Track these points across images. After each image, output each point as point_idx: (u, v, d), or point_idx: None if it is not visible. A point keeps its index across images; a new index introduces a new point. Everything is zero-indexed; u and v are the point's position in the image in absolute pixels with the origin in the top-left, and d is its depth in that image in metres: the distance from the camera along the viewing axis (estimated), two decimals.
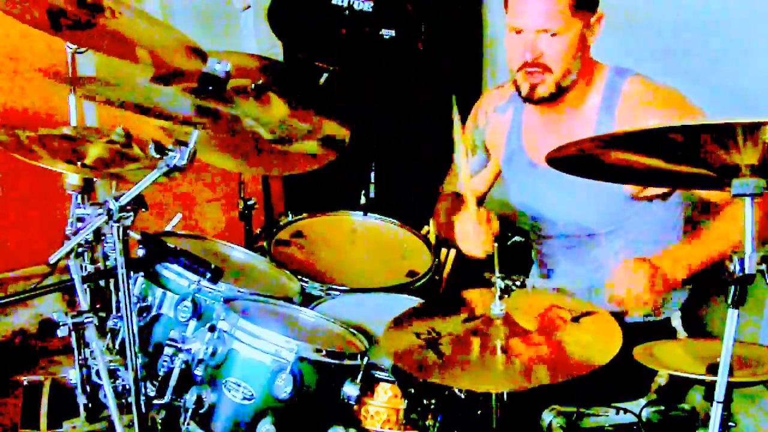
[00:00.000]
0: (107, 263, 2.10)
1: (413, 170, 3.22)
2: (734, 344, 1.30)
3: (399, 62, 2.93)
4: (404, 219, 2.57)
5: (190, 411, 1.74)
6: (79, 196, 2.05)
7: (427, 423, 1.81)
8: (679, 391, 2.05)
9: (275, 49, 3.32)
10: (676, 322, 2.23)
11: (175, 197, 3.28)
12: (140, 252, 1.79)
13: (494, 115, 2.30)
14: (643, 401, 1.96)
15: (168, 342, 1.81)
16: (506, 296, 1.76)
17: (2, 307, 2.76)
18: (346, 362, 1.77)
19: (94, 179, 2.09)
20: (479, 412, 1.86)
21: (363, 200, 2.81)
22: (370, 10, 2.88)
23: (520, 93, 2.06)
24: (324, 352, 1.74)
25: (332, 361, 1.75)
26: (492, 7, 3.28)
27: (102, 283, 2.14)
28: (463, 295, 1.92)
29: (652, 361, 1.74)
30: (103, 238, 2.05)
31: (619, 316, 1.94)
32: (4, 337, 3.18)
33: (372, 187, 2.87)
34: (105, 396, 1.83)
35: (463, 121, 2.15)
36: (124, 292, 1.67)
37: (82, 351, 2.04)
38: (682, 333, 2.22)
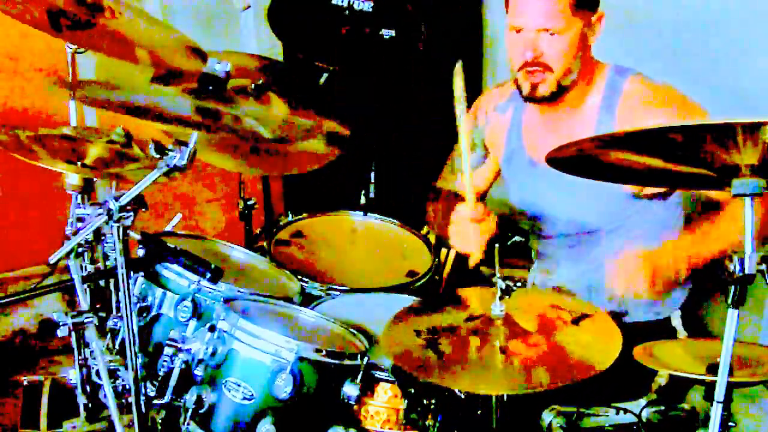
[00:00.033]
0: (107, 263, 2.10)
1: (413, 170, 3.21)
2: (734, 344, 1.30)
3: (399, 62, 2.93)
4: (404, 219, 2.58)
5: (190, 411, 1.74)
6: (79, 196, 2.05)
7: (427, 423, 1.81)
8: (679, 391, 2.05)
9: (275, 49, 3.33)
10: (676, 322, 2.23)
11: (175, 197, 3.29)
12: (140, 252, 1.79)
13: (494, 115, 2.30)
14: (643, 401, 1.96)
15: (168, 342, 1.81)
16: (506, 297, 1.76)
17: (2, 307, 2.76)
18: (346, 362, 1.77)
19: (94, 179, 2.09)
20: (479, 412, 1.86)
21: (363, 200, 2.81)
22: (370, 10, 2.88)
23: (521, 92, 2.06)
24: (324, 352, 1.74)
25: (332, 361, 1.75)
26: (492, 7, 3.29)
27: (102, 283, 2.14)
28: (459, 293, 1.93)
29: (652, 361, 1.74)
30: (103, 238, 2.05)
31: (618, 317, 1.95)
32: (4, 337, 3.19)
33: (372, 187, 2.87)
34: (105, 396, 1.83)
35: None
36: (124, 292, 1.67)
37: (82, 351, 2.04)
38: (682, 333, 2.22)
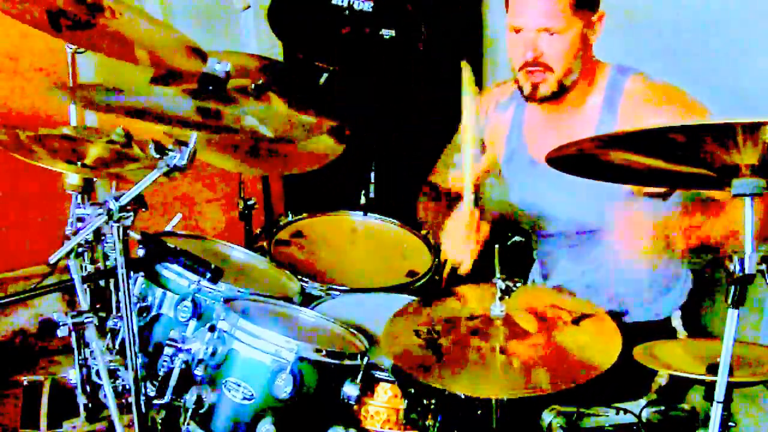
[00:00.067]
0: (107, 263, 2.10)
1: (413, 170, 3.22)
2: (734, 344, 1.30)
3: (399, 62, 2.93)
4: (404, 219, 2.58)
5: (190, 411, 1.74)
6: (79, 196, 2.05)
7: (427, 423, 1.81)
8: (679, 391, 2.05)
9: (275, 49, 3.33)
10: (676, 322, 2.23)
11: (175, 197, 3.29)
12: (140, 252, 1.79)
13: (495, 114, 2.29)
14: (643, 401, 1.96)
15: (168, 342, 1.81)
16: (506, 297, 1.76)
17: (2, 307, 2.76)
18: (346, 362, 1.77)
19: (94, 179, 2.10)
20: (479, 412, 1.86)
21: (363, 200, 2.81)
22: (370, 10, 2.88)
23: (522, 92, 2.06)
24: (324, 352, 1.74)
25: (332, 361, 1.75)
26: (492, 7, 3.29)
27: (102, 283, 2.14)
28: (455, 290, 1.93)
29: (652, 361, 1.74)
30: (103, 238, 2.05)
31: (618, 317, 1.95)
32: (4, 337, 3.19)
33: (372, 187, 2.87)
34: (105, 396, 1.83)
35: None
36: (124, 292, 1.67)
37: (82, 351, 2.04)
38: (682, 333, 2.22)
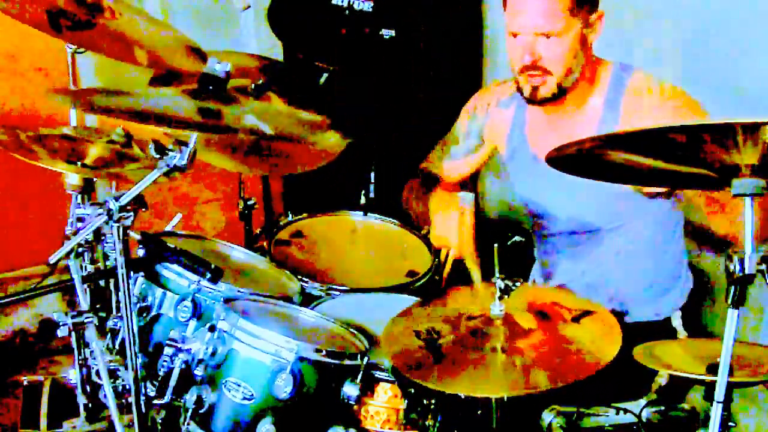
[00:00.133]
0: (107, 263, 2.10)
1: (413, 171, 3.22)
2: (734, 344, 1.30)
3: (399, 62, 2.93)
4: (404, 219, 2.58)
5: (190, 411, 1.73)
6: (79, 196, 2.05)
7: (427, 423, 1.81)
8: (679, 391, 2.05)
9: (275, 49, 3.33)
10: (677, 322, 2.23)
11: (175, 197, 3.29)
12: (140, 252, 1.79)
13: (496, 110, 2.29)
14: (643, 401, 1.96)
15: (168, 342, 1.81)
16: (506, 296, 1.76)
17: (2, 307, 2.76)
18: (346, 362, 1.77)
19: (94, 179, 2.10)
20: (479, 412, 1.86)
21: (363, 200, 2.81)
22: (370, 10, 2.88)
23: (522, 94, 2.06)
24: (324, 352, 1.74)
25: (332, 361, 1.75)
26: (492, 7, 3.28)
27: (102, 283, 2.14)
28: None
29: (652, 361, 1.74)
30: (103, 238, 2.05)
31: (619, 316, 1.95)
32: (4, 337, 3.19)
33: (372, 187, 2.87)
34: (105, 396, 1.83)
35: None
36: (124, 292, 1.67)
37: (82, 351, 2.04)
38: (682, 333, 2.22)
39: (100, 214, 1.65)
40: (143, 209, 1.66)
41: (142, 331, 1.88)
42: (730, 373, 1.32)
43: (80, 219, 2.03)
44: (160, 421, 1.89)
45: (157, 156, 1.61)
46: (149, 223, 2.35)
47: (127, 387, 1.76)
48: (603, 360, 1.60)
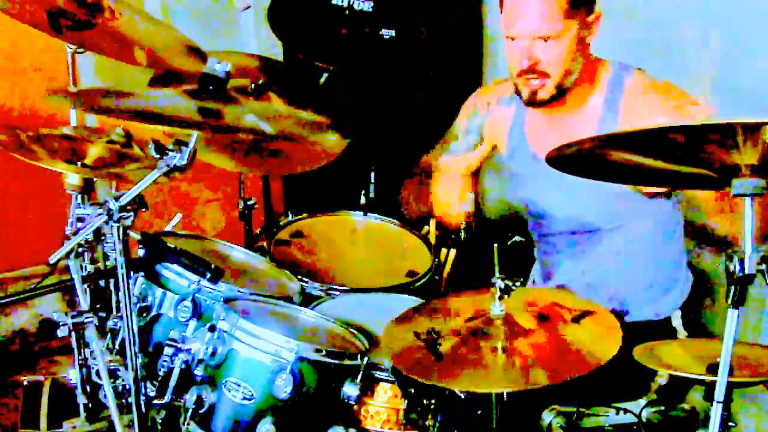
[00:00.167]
0: (107, 263, 2.10)
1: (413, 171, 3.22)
2: (734, 344, 1.30)
3: (399, 62, 2.93)
4: (404, 219, 2.58)
5: (190, 411, 1.74)
6: (79, 196, 2.05)
7: (427, 423, 1.81)
8: (679, 391, 2.06)
9: (275, 49, 3.33)
10: (677, 321, 2.23)
11: (175, 197, 3.29)
12: (140, 252, 1.79)
13: (497, 107, 2.29)
14: (643, 401, 1.96)
15: (168, 342, 1.81)
16: (506, 296, 1.76)
17: (2, 307, 2.76)
18: (346, 362, 1.77)
19: (94, 179, 2.09)
20: (479, 412, 1.86)
21: (363, 200, 2.80)
22: (370, 10, 2.88)
23: (521, 97, 2.06)
24: (324, 352, 1.74)
25: (332, 361, 1.75)
26: (492, 7, 3.28)
27: (102, 283, 2.14)
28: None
29: (652, 361, 1.74)
30: (103, 238, 2.05)
31: (619, 316, 1.95)
32: (4, 337, 3.19)
33: (372, 187, 2.87)
34: (105, 396, 1.83)
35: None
36: (124, 292, 1.67)
37: (82, 351, 2.04)
38: (682, 333, 2.22)
39: (100, 214, 1.65)
40: (143, 209, 1.66)
41: (142, 331, 1.88)
42: (730, 373, 1.32)
43: (80, 219, 2.03)
44: (160, 421, 1.89)
45: (157, 156, 1.61)
46: (149, 223, 2.35)
47: (127, 387, 1.76)
48: (603, 360, 1.60)
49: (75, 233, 2.01)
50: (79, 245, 1.82)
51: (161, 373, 1.83)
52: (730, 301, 1.30)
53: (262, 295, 1.99)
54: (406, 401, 1.79)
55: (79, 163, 2.10)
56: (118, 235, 1.63)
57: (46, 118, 2.67)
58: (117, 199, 1.61)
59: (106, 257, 2.11)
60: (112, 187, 2.20)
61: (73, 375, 2.07)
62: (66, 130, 2.26)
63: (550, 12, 1.92)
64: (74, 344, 2.02)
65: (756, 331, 2.54)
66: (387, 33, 2.85)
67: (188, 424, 1.74)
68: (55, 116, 2.63)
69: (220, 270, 1.77)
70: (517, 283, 1.78)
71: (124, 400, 1.82)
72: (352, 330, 1.92)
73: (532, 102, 2.04)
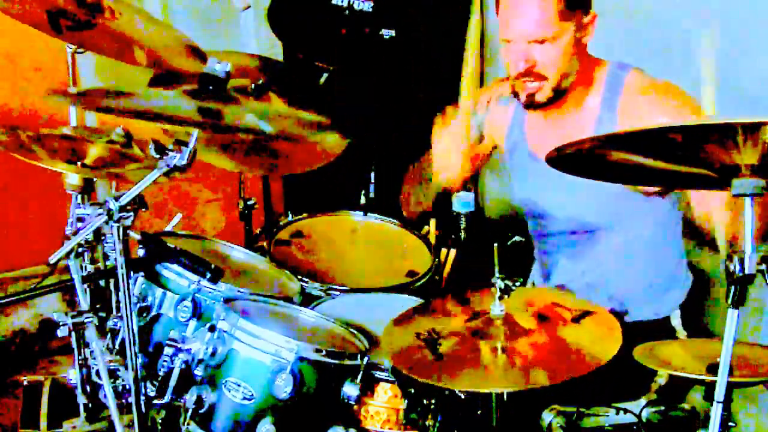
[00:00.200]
0: (107, 263, 2.10)
1: None
2: (734, 344, 1.30)
3: (399, 62, 2.93)
4: (404, 219, 2.58)
5: (190, 411, 1.74)
6: (79, 196, 2.05)
7: (427, 423, 1.81)
8: (679, 391, 2.06)
9: (275, 49, 3.33)
10: (676, 321, 2.23)
11: (175, 197, 3.29)
12: (140, 252, 1.79)
13: (497, 106, 2.29)
14: (643, 401, 1.96)
15: (168, 342, 1.81)
16: (506, 296, 1.76)
17: (2, 307, 2.76)
18: (346, 362, 1.77)
19: (94, 179, 2.10)
20: (479, 412, 1.86)
21: (363, 200, 2.81)
22: (370, 10, 2.88)
23: (518, 100, 2.06)
24: (324, 352, 1.74)
25: (332, 361, 1.75)
26: (492, 7, 3.28)
27: (102, 283, 2.14)
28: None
29: (652, 360, 1.74)
30: (103, 238, 2.05)
31: (618, 315, 1.95)
32: (4, 337, 3.19)
33: (372, 187, 2.87)
34: (105, 396, 1.83)
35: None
36: (124, 292, 1.67)
37: (82, 351, 2.04)
38: (681, 332, 2.22)
39: (100, 214, 1.65)
40: (143, 209, 1.66)
41: (142, 331, 1.88)
42: (730, 373, 1.32)
43: (80, 219, 2.03)
44: (160, 421, 1.89)
45: (157, 156, 1.61)
46: (149, 223, 2.35)
47: (127, 387, 1.76)
48: (603, 360, 1.60)
49: (75, 233, 2.01)
50: (79, 245, 1.82)
51: (161, 373, 1.83)
52: (730, 301, 1.30)
53: (262, 295, 1.99)
54: (406, 401, 1.79)
55: (79, 163, 2.10)
56: (118, 235, 1.63)
57: (46, 119, 2.67)
58: (117, 199, 1.61)
59: (106, 257, 2.11)
60: (112, 187, 2.20)
61: (73, 375, 2.07)
62: (66, 130, 2.26)
63: (546, 15, 1.92)
64: (74, 344, 2.02)
65: (756, 331, 2.54)
66: (387, 33, 2.85)
67: (188, 424, 1.74)
68: (55, 116, 2.63)
69: (220, 270, 1.77)
70: (517, 283, 1.79)
71: (124, 400, 1.82)
72: (352, 330, 1.92)
73: (530, 105, 2.04)
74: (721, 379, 1.31)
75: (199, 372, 1.78)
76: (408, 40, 2.89)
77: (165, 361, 1.82)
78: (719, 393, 1.32)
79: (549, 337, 1.70)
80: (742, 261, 1.28)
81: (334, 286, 2.21)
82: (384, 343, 1.82)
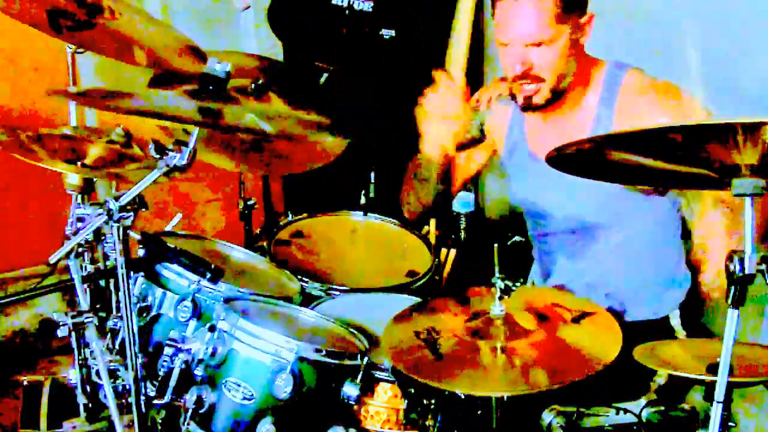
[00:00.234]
0: (107, 263, 2.10)
1: None
2: (734, 344, 1.30)
3: (399, 62, 2.93)
4: (404, 219, 2.58)
5: (190, 411, 1.74)
6: (79, 196, 2.05)
7: (427, 423, 1.81)
8: (679, 391, 2.05)
9: (275, 49, 3.33)
10: (675, 321, 2.23)
11: (175, 197, 3.29)
12: (140, 252, 1.79)
13: (497, 105, 2.29)
14: (643, 401, 1.96)
15: (168, 342, 1.81)
16: (506, 297, 1.76)
17: (2, 307, 2.76)
18: (346, 362, 1.77)
19: (94, 179, 2.10)
20: (479, 412, 1.86)
21: (363, 200, 2.81)
22: (370, 10, 2.89)
23: (516, 102, 2.06)
24: (324, 352, 1.74)
25: (332, 361, 1.75)
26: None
27: (102, 283, 2.14)
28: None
29: (652, 360, 1.74)
30: (103, 238, 2.05)
31: (617, 315, 1.95)
32: (4, 337, 3.19)
33: (372, 187, 2.87)
34: (105, 396, 1.83)
35: None
36: (124, 292, 1.67)
37: (82, 351, 2.04)
38: (681, 332, 2.22)
39: (100, 214, 1.65)
40: (143, 209, 1.66)
41: (142, 331, 1.88)
42: (730, 373, 1.32)
43: (80, 219, 2.03)
44: (160, 421, 1.89)
45: (157, 156, 1.61)
46: (149, 223, 2.35)
47: (127, 387, 1.76)
48: (603, 361, 1.60)
49: (75, 233, 2.01)
50: (79, 245, 1.82)
51: (161, 373, 1.83)
52: (730, 301, 1.30)
53: (262, 295, 1.99)
54: (406, 401, 1.79)
55: (79, 163, 2.11)
56: (118, 235, 1.63)
57: (46, 118, 2.67)
58: (117, 199, 1.62)
59: (106, 257, 2.11)
60: (112, 187, 2.20)
61: (73, 375, 2.07)
62: (66, 130, 2.26)
63: (542, 18, 1.92)
64: (74, 344, 2.02)
65: (756, 331, 2.54)
66: (387, 33, 2.85)
67: (188, 424, 1.74)
68: (55, 116, 2.63)
69: (220, 270, 1.77)
70: (517, 284, 1.79)
71: (124, 400, 1.82)
72: (352, 330, 1.92)
73: (528, 107, 2.04)
74: (721, 379, 1.31)
75: (199, 372, 1.78)
76: (408, 40, 2.89)
77: (165, 361, 1.82)
78: (719, 393, 1.32)
79: (548, 338, 1.70)
80: (742, 261, 1.28)
81: (334, 286, 2.21)
82: (384, 342, 1.82)
